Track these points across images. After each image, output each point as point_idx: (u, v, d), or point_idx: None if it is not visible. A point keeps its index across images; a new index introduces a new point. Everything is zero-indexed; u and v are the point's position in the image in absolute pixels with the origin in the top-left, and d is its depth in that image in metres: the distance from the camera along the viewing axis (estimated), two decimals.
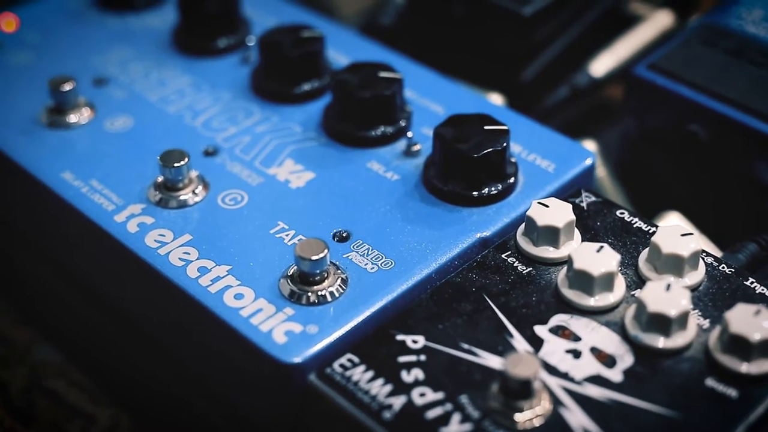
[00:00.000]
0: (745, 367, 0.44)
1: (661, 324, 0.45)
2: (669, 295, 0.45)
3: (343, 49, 0.64)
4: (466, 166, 0.53)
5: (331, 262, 0.49)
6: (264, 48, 0.60)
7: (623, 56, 0.68)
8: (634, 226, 0.52)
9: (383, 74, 0.57)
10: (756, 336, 0.44)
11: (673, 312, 0.45)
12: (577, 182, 0.56)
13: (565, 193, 0.55)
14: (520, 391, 0.43)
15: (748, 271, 0.53)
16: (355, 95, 0.56)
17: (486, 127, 0.53)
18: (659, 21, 0.71)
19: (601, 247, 0.48)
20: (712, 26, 0.64)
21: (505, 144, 0.53)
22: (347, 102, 0.57)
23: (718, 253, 0.55)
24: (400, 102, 0.58)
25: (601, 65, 0.69)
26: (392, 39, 0.73)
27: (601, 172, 0.62)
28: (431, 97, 0.60)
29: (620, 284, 0.48)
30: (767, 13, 0.64)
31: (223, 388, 0.52)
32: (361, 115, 0.57)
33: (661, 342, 0.45)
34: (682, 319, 0.45)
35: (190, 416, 0.56)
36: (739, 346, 0.44)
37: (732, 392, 0.44)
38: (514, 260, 0.50)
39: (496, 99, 0.66)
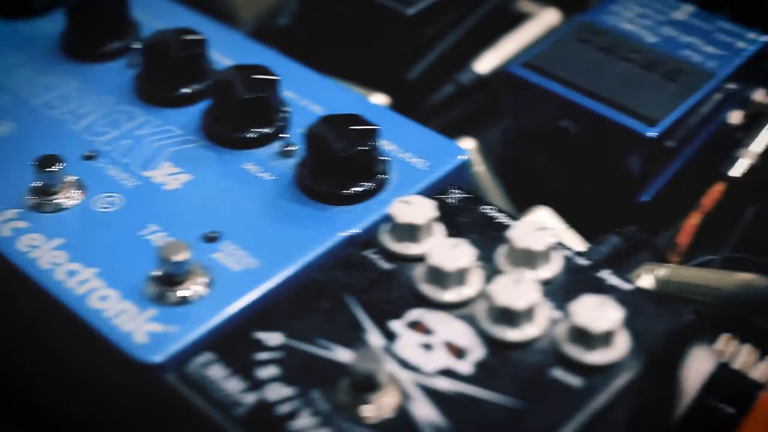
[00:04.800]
0: (588, 357, 0.45)
1: (509, 316, 0.46)
2: (517, 288, 0.47)
3: (229, 52, 0.65)
4: (334, 165, 0.54)
5: (195, 262, 0.50)
6: (146, 51, 0.61)
7: (508, 54, 0.69)
8: (498, 221, 0.53)
9: (260, 76, 0.58)
10: (598, 326, 0.45)
11: (519, 304, 0.46)
12: (450, 179, 0.56)
13: (437, 191, 0.55)
14: (367, 384, 0.44)
15: (612, 262, 0.54)
16: (232, 96, 0.57)
17: (355, 127, 0.54)
18: (546, 19, 0.72)
19: (458, 242, 0.49)
20: (588, 24, 0.65)
21: (373, 143, 0.54)
22: (225, 103, 0.58)
23: (585, 246, 0.56)
24: (276, 103, 0.59)
25: (487, 63, 0.70)
26: (288, 40, 0.74)
27: (481, 168, 0.63)
28: (312, 98, 0.61)
29: (477, 278, 0.49)
30: (643, 10, 0.66)
31: (98, 388, 0.53)
32: (237, 116, 0.58)
33: (509, 334, 0.47)
34: (530, 312, 0.46)
35: (71, 417, 0.57)
36: (583, 336, 0.45)
37: (576, 381, 0.45)
38: (377, 257, 0.51)
39: (381, 99, 0.67)
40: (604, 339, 0.45)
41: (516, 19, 0.73)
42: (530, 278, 0.48)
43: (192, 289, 0.49)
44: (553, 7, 0.74)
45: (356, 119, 0.55)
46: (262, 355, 0.47)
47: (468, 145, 0.63)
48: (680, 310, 0.48)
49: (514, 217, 0.53)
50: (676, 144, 0.60)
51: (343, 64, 0.70)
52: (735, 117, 0.64)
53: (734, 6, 0.68)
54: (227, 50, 0.65)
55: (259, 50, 0.66)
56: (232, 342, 0.48)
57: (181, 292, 0.49)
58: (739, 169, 0.61)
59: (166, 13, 0.69)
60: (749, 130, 0.64)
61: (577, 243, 0.58)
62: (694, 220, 0.60)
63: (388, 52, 0.69)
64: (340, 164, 0.54)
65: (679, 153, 0.61)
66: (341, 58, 0.71)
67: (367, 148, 0.54)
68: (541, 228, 0.50)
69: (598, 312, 0.46)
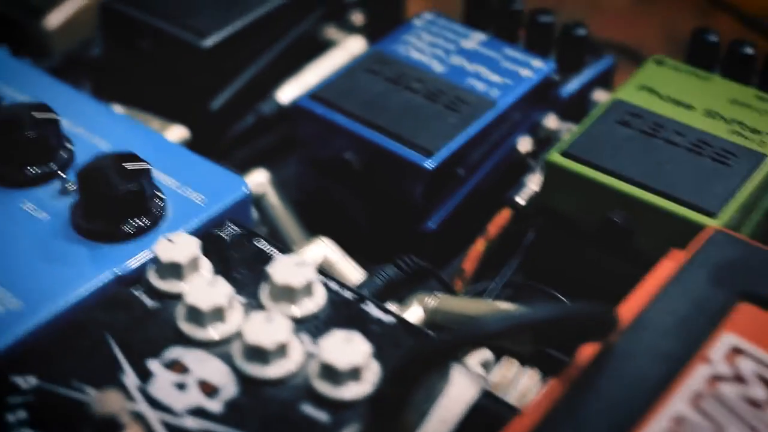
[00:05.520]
0: (336, 392, 0.46)
1: (260, 354, 0.47)
2: (269, 326, 0.47)
3: (22, 87, 0.64)
4: (106, 204, 0.54)
5: None
6: None
7: (310, 83, 0.70)
8: (269, 255, 0.53)
9: (40, 113, 0.58)
10: (344, 361, 0.45)
11: (269, 342, 0.46)
12: (230, 213, 0.57)
13: (216, 225, 0.56)
14: (108, 426, 0.43)
15: (390, 293, 0.55)
16: (9, 135, 0.57)
17: (128, 165, 0.54)
18: (350, 47, 0.73)
19: (216, 280, 0.49)
20: (378, 54, 0.65)
21: (145, 180, 0.54)
22: (2, 142, 0.57)
23: (364, 278, 0.57)
24: (58, 140, 0.58)
25: (288, 93, 0.70)
26: (100, 72, 0.73)
27: (274, 200, 0.63)
28: (101, 134, 0.61)
29: (237, 316, 0.49)
30: (434, 39, 0.66)
31: None
32: (16, 154, 0.57)
33: (261, 371, 0.47)
34: (282, 349, 0.47)
35: None
36: (330, 371, 0.46)
37: (323, 417, 0.45)
38: (143, 295, 0.51)
39: (180, 132, 0.67)
40: (352, 374, 0.46)
41: (324, 47, 0.74)
42: (289, 314, 0.49)
43: None
44: (358, 35, 0.74)
45: (130, 157, 0.55)
46: (14, 399, 0.46)
47: (260, 177, 0.63)
48: (430, 342, 0.48)
49: (288, 252, 0.54)
50: (462, 172, 0.61)
51: (149, 96, 0.70)
52: (524, 144, 0.65)
53: (529, 32, 0.69)
54: (20, 86, 0.65)
55: (52, 85, 0.65)
56: None
57: None
58: (524, 195, 0.62)
59: None
60: (538, 156, 0.65)
61: (356, 274, 0.58)
62: (479, 247, 0.60)
63: (190, 85, 0.69)
64: (111, 202, 0.53)
65: (467, 181, 0.62)
66: (148, 90, 0.71)
67: (138, 186, 0.54)
68: (301, 263, 0.50)
69: (345, 347, 0.46)
